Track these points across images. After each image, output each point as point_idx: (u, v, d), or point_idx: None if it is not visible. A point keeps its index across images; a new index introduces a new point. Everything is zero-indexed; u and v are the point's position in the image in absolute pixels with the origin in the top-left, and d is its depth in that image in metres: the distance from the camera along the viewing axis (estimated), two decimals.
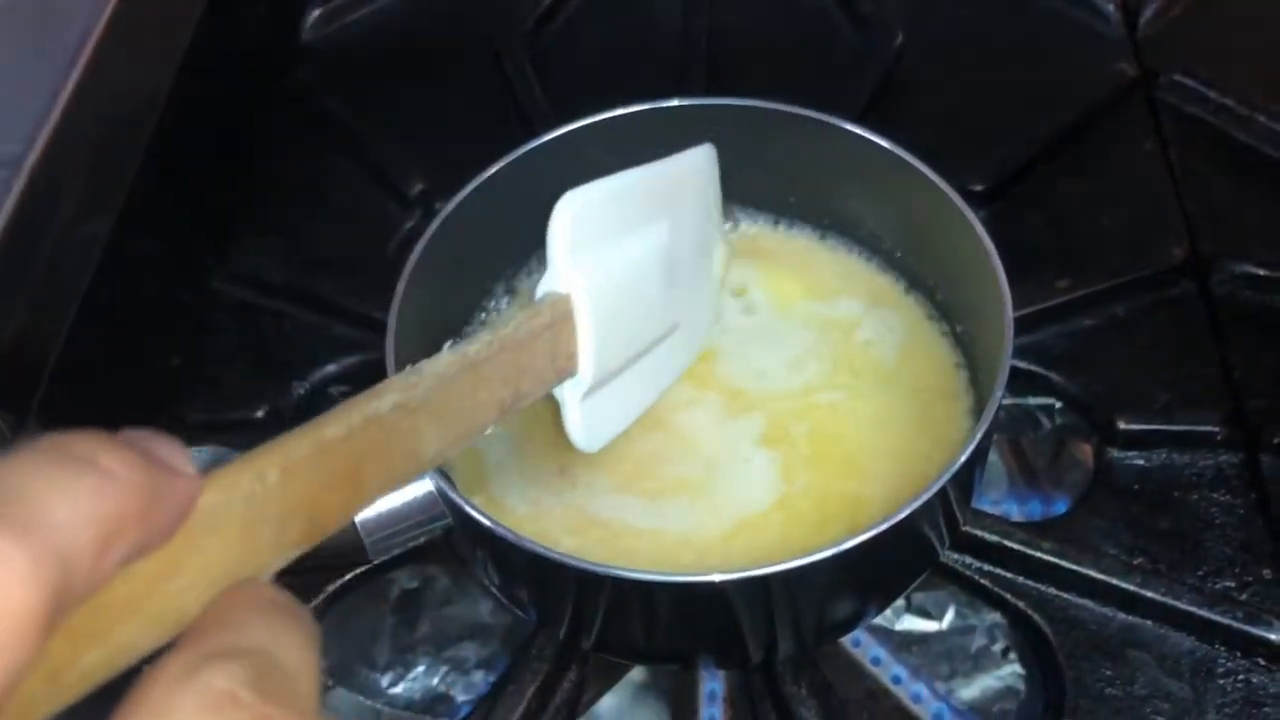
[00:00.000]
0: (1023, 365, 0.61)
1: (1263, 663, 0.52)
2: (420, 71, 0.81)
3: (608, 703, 0.56)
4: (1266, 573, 0.54)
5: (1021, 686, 0.56)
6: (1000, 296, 0.50)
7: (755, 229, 0.64)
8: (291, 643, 0.24)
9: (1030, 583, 0.54)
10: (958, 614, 0.58)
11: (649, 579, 0.44)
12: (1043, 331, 0.63)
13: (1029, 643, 0.55)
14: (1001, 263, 0.51)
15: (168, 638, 0.24)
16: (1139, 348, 0.63)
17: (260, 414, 0.62)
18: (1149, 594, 0.53)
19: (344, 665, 0.58)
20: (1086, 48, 0.79)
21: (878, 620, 0.57)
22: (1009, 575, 0.55)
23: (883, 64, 0.77)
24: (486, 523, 0.45)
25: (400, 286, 0.52)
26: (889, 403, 0.57)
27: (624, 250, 0.45)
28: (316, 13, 0.84)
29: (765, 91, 0.59)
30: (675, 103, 0.59)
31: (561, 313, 0.41)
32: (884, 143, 0.56)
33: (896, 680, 0.56)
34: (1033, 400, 0.63)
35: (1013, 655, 0.56)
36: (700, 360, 0.57)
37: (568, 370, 0.42)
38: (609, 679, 0.56)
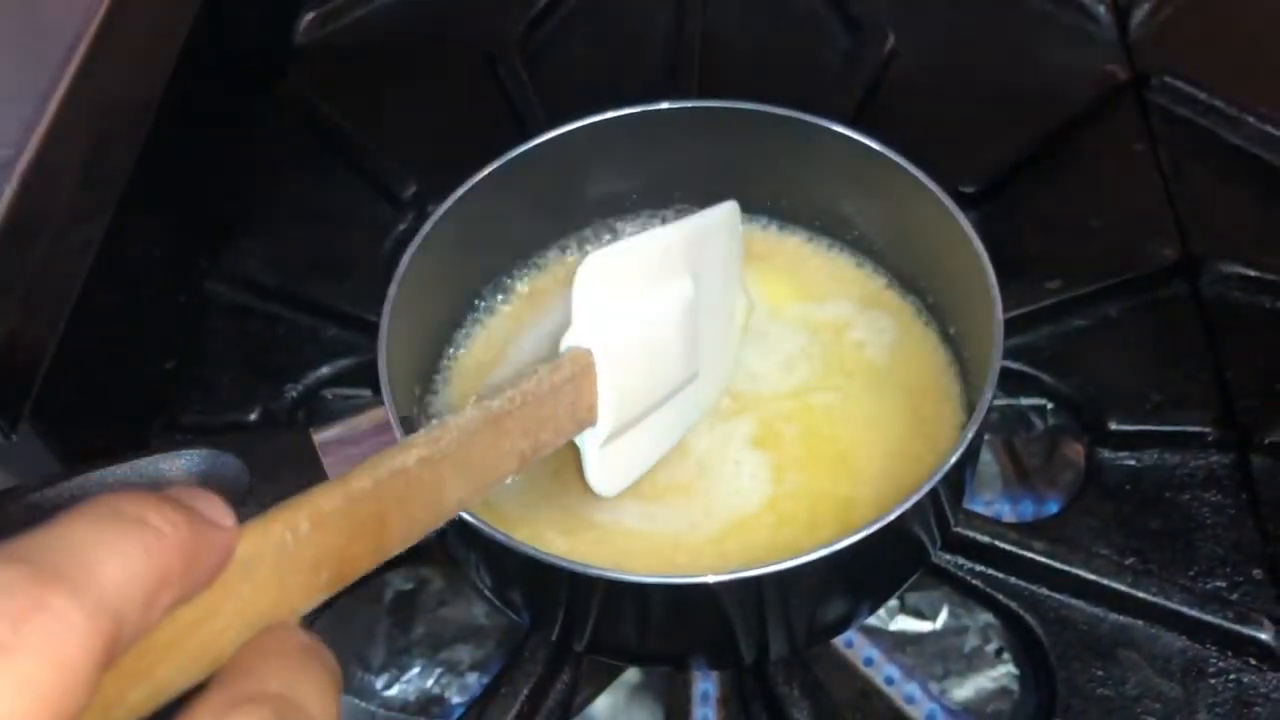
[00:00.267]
0: (1014, 366, 0.61)
1: (1253, 662, 0.52)
2: (413, 74, 0.81)
3: (601, 704, 0.56)
4: (1257, 573, 0.54)
5: (1014, 687, 0.56)
6: (991, 298, 0.50)
7: (746, 231, 0.64)
8: (315, 689, 0.26)
9: (1022, 583, 0.55)
10: (951, 614, 0.58)
11: (642, 581, 0.44)
12: (1034, 332, 0.63)
13: (1021, 643, 0.55)
14: (992, 264, 0.51)
15: (205, 675, 0.26)
16: (1130, 348, 0.63)
17: (254, 416, 0.62)
18: (1140, 594, 0.53)
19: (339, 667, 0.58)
20: (1077, 50, 0.79)
21: (871, 621, 0.57)
22: (1001, 576, 0.55)
23: (874, 67, 0.77)
24: (479, 525, 0.45)
25: (393, 289, 0.52)
26: (880, 404, 0.57)
27: (646, 306, 0.46)
28: (310, 15, 0.85)
29: (757, 94, 0.59)
30: (667, 105, 0.60)
31: (582, 366, 0.42)
32: (875, 145, 0.57)
33: (889, 681, 0.56)
34: (1024, 401, 0.63)
35: (1006, 656, 0.56)
36: None
37: (588, 421, 0.43)
38: (602, 680, 0.56)
